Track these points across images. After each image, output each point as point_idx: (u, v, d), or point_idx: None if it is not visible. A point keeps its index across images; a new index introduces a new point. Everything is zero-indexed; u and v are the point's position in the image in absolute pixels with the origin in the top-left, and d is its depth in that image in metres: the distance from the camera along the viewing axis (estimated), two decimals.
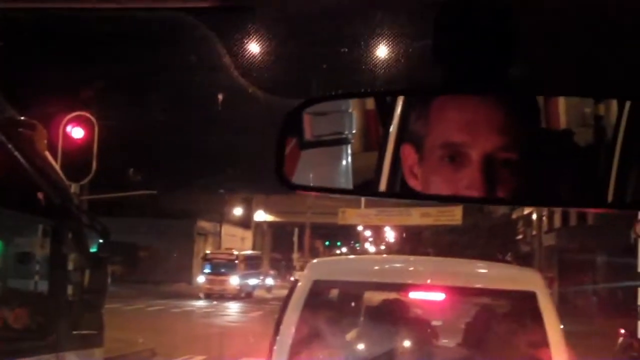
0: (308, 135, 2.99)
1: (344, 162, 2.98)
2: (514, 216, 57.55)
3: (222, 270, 46.46)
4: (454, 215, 49.53)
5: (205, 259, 48.73)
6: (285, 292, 6.24)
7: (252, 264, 51.84)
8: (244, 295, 46.87)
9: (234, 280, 46.59)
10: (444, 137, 2.52)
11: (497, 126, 2.50)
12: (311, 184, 3.08)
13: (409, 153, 2.64)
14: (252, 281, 51.04)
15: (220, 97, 27.08)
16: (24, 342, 6.04)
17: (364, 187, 2.96)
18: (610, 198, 2.57)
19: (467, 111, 2.54)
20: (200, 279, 47.64)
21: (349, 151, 2.97)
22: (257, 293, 50.61)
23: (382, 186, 2.78)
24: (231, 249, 54.59)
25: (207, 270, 47.01)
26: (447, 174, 2.52)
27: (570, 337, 5.16)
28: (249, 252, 56.57)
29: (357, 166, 2.94)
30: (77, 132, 14.91)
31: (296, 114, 2.97)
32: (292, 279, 49.73)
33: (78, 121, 15.00)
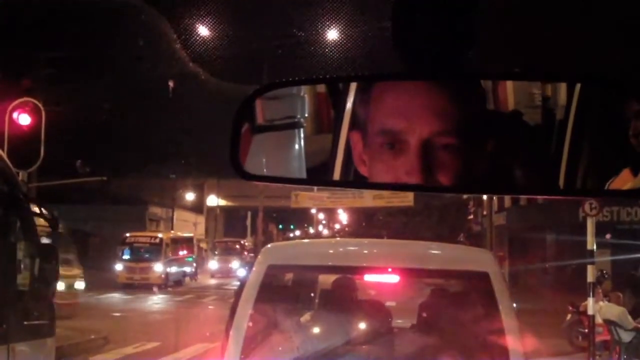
0: (260, 119, 2.96)
1: (297, 150, 2.95)
2: (465, 196, 58.20)
3: (145, 256, 40.44)
4: (406, 196, 49.87)
5: (124, 242, 41.57)
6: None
7: (181, 248, 45.71)
8: (172, 284, 41.19)
9: (158, 268, 40.30)
10: (382, 124, 2.50)
11: (435, 111, 2.47)
12: (265, 173, 3.04)
13: (357, 140, 2.63)
14: (182, 268, 44.67)
15: (170, 82, 26.87)
16: None
17: (318, 176, 2.94)
18: (561, 185, 2.56)
19: (405, 97, 2.52)
20: (118, 267, 40.32)
21: (302, 137, 2.95)
22: (202, 280, 46.95)
23: (336, 174, 2.76)
24: (156, 231, 49.11)
25: (126, 257, 40.50)
26: (388, 160, 2.50)
27: (521, 315, 5.24)
28: (179, 234, 50.55)
29: (311, 153, 2.92)
30: (23, 119, 14.67)
31: (250, 101, 2.93)
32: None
33: (24, 107, 14.76)
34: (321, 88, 2.93)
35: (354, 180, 2.70)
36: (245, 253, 52.53)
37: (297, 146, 2.95)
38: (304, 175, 2.96)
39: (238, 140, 2.89)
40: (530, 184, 2.69)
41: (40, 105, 15.19)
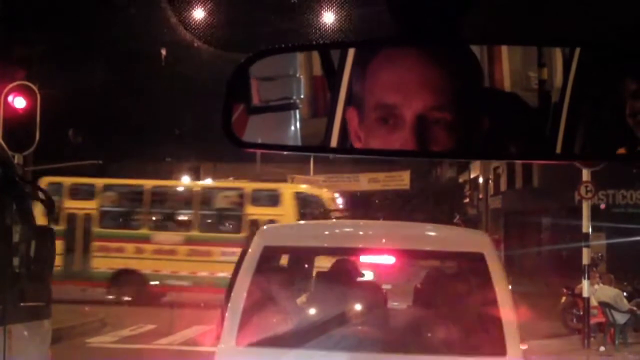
0: (256, 97, 2.95)
1: (292, 118, 2.95)
2: (460, 180, 58.23)
3: None
4: (402, 179, 49.90)
5: None
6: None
7: None
8: None
9: None
10: (378, 99, 2.51)
11: (431, 85, 2.47)
12: (259, 141, 3.03)
13: (352, 117, 2.63)
14: None
15: (164, 62, 26.73)
16: None
17: (313, 144, 2.95)
18: (558, 149, 2.57)
19: (400, 71, 2.52)
20: None
21: (297, 105, 2.94)
22: None
23: (332, 142, 2.76)
24: None
25: None
26: (383, 135, 2.52)
27: (516, 298, 5.25)
28: None
29: (306, 122, 2.92)
30: (18, 102, 14.61)
31: (244, 68, 2.92)
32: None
33: (19, 91, 14.70)
34: (316, 58, 2.91)
35: (349, 148, 2.71)
36: None
37: (291, 114, 2.94)
38: (299, 143, 2.97)
39: (231, 109, 2.88)
40: (529, 150, 2.70)
41: (35, 88, 15.13)
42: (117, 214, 24.40)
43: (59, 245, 22.52)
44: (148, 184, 24.84)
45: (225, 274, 19.30)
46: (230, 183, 24.62)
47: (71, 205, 23.29)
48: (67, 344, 14.74)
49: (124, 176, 55.22)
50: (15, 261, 6.71)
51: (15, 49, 22.55)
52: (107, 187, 24.63)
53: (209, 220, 23.92)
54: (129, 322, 18.38)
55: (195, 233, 23.15)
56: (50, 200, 7.56)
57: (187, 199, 24.59)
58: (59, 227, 22.35)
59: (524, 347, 4.96)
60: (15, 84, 14.76)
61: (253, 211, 22.98)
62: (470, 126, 2.49)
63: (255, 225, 19.54)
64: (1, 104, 14.36)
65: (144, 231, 23.33)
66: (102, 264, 22.84)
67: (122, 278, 22.80)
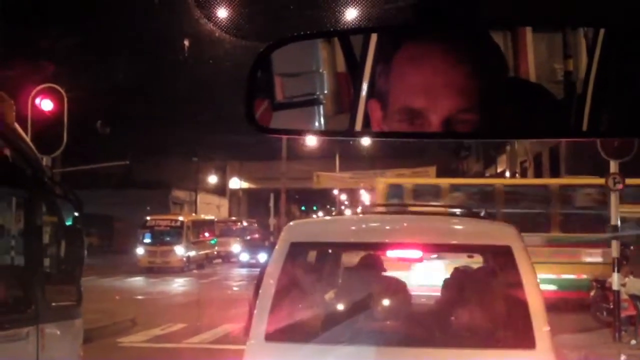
0: (278, 84, 2.96)
1: (315, 106, 2.95)
2: (487, 174, 57.88)
3: (166, 239, 39.86)
4: (428, 174, 49.76)
5: (145, 226, 40.95)
6: None
7: (203, 231, 45.18)
8: (194, 268, 40.66)
9: (179, 251, 39.80)
10: (403, 102, 2.52)
11: (457, 86, 2.46)
12: (280, 126, 3.03)
13: (375, 109, 2.64)
14: (204, 251, 44.06)
15: (187, 58, 26.83)
16: (2, 316, 6.03)
17: (334, 128, 2.96)
18: (584, 127, 2.57)
19: (425, 73, 2.51)
20: (139, 251, 39.74)
21: (318, 91, 2.94)
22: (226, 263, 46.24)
23: (353, 126, 2.77)
24: (177, 214, 48.82)
25: (147, 240, 39.90)
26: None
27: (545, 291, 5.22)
28: (201, 217, 50.13)
29: (329, 111, 2.93)
30: (46, 105, 14.76)
31: (266, 55, 2.93)
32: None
33: (47, 93, 14.85)
34: (338, 46, 2.91)
35: (373, 132, 2.72)
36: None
37: (314, 101, 2.94)
38: (322, 128, 2.97)
39: (253, 96, 2.89)
40: (552, 127, 2.70)
41: (62, 90, 15.27)
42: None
43: None
44: (498, 182, 23.52)
45: (588, 276, 18.68)
46: (590, 179, 21.40)
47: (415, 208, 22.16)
48: (99, 344, 14.88)
49: (149, 176, 55.33)
50: (46, 261, 6.80)
51: (41, 51, 22.77)
52: (454, 188, 23.84)
53: (569, 220, 22.45)
54: (159, 321, 18.52)
55: (556, 234, 21.88)
56: (78, 201, 7.63)
57: (542, 198, 23.00)
58: None
59: (546, 328, 4.92)
60: (42, 86, 14.91)
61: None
62: (495, 113, 2.50)
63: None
64: (29, 106, 14.51)
65: None
66: None
67: None
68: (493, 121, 2.51)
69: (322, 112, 2.93)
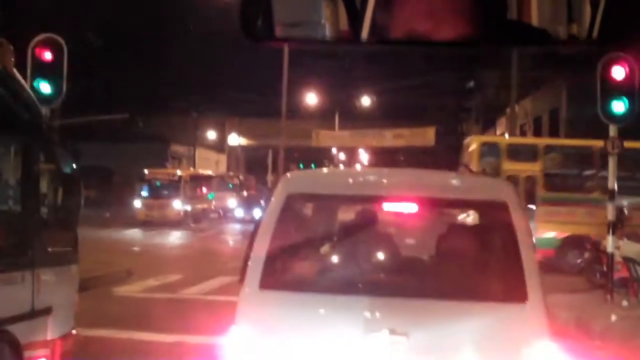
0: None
1: (318, 14, 2.80)
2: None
3: (163, 193, 40.04)
4: (427, 135, 49.79)
5: (143, 180, 40.80)
6: None
7: (201, 186, 45.43)
8: (191, 222, 40.68)
9: (176, 205, 40.13)
10: (406, 26, 2.54)
11: (458, 11, 2.52)
12: (277, 34, 2.83)
13: (381, 16, 2.65)
14: (202, 205, 44.60)
15: (191, 16, 26.67)
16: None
17: (340, 38, 2.82)
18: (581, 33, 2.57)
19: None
20: (137, 204, 39.86)
21: (324, 16, 2.78)
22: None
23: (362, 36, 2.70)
24: (175, 168, 48.76)
25: (144, 194, 39.96)
26: None
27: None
28: (199, 171, 50.13)
29: (331, 20, 2.77)
30: (46, 55, 14.66)
31: None
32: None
33: (46, 43, 14.75)
34: None
35: (375, 39, 2.68)
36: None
37: (315, 6, 2.80)
38: (324, 35, 2.81)
39: (249, 4, 2.76)
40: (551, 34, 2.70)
41: (62, 41, 15.16)
42: (563, 176, 22.85)
43: None
44: (596, 145, 23.16)
45: None
46: None
47: (510, 167, 21.61)
48: (94, 293, 14.98)
49: (150, 129, 55.27)
50: (43, 208, 6.82)
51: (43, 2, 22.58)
52: (550, 148, 23.15)
53: None
54: (154, 272, 18.65)
55: None
56: (76, 149, 7.63)
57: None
58: None
59: (538, 282, 4.94)
60: (42, 36, 14.79)
61: None
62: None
63: None
64: (29, 56, 14.44)
65: (594, 196, 21.23)
66: (548, 229, 21.01)
67: (571, 244, 20.84)
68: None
69: (325, 18, 2.78)
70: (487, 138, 22.40)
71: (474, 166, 22.04)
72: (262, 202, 38.24)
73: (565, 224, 21.13)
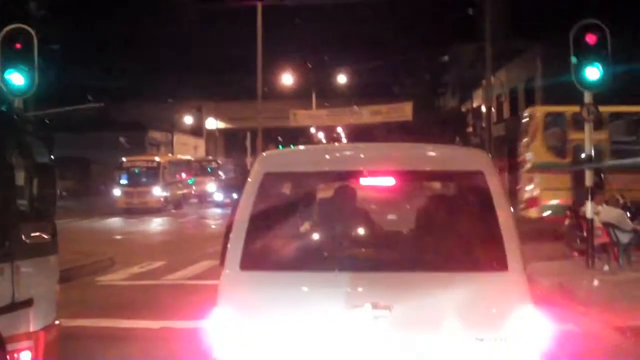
0: None
1: None
2: (463, 109, 57.97)
3: (142, 180, 39.78)
4: (404, 111, 49.77)
5: (121, 167, 40.67)
6: None
7: (180, 171, 45.38)
8: (172, 208, 40.81)
9: (156, 191, 39.86)
10: None
11: None
12: None
13: None
14: (182, 191, 44.56)
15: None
16: None
17: None
18: None
19: None
20: (116, 192, 39.83)
21: None
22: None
23: None
24: (153, 154, 48.60)
25: (123, 182, 39.85)
26: None
27: (520, 223, 5.27)
28: (178, 157, 50.38)
29: None
30: (17, 45, 14.51)
31: None
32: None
33: (19, 34, 14.59)
34: None
35: None
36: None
37: None
38: None
39: None
40: None
41: (32, 31, 15.00)
42: (629, 143, 22.03)
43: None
44: None
45: None
46: None
47: (576, 136, 20.18)
48: (78, 283, 14.94)
49: (125, 117, 54.96)
50: (19, 198, 6.75)
51: None
52: (615, 115, 22.22)
53: None
54: (137, 259, 18.60)
55: None
56: (50, 137, 7.55)
57: None
58: (564, 161, 21.32)
59: (518, 251, 4.94)
60: (12, 26, 14.63)
61: None
62: None
63: None
64: None
65: None
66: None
67: None
68: None
69: None
70: (552, 108, 22.08)
71: (538, 137, 21.89)
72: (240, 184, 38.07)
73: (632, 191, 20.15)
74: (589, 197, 15.48)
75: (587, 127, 15.76)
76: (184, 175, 45.93)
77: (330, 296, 4.86)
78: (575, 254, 16.83)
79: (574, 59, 14.92)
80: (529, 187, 22.58)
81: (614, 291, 12.87)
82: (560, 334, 9.57)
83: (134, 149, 48.58)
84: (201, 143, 70.06)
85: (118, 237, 26.30)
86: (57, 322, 7.15)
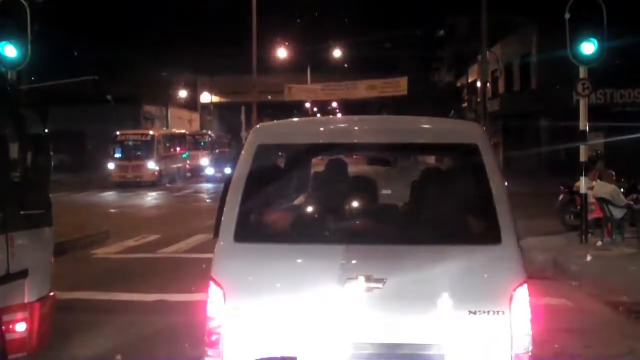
0: None
1: None
2: (458, 84, 57.89)
3: (137, 153, 39.88)
4: (400, 85, 49.67)
5: (115, 141, 40.72)
6: None
7: (175, 145, 45.37)
8: (166, 182, 40.85)
9: (150, 165, 39.93)
10: None
11: None
12: None
13: None
14: (176, 165, 44.62)
15: None
16: None
17: None
18: None
19: None
20: (111, 166, 39.91)
21: None
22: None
23: None
24: (147, 128, 48.66)
25: (117, 155, 39.94)
26: None
27: (514, 198, 5.25)
28: (172, 130, 50.17)
29: None
30: (8, 18, 14.41)
31: None
32: None
33: (9, 5, 14.49)
34: None
35: None
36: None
37: None
38: None
39: None
40: None
41: (25, 3, 14.88)
42: None
43: None
44: None
45: None
46: None
47: None
48: (73, 256, 14.96)
49: (118, 90, 54.84)
50: (13, 170, 6.73)
51: None
52: None
53: None
54: (132, 232, 18.60)
55: None
56: (43, 110, 7.52)
57: None
58: None
59: (512, 223, 4.93)
60: None
61: None
62: None
63: None
64: None
65: None
66: None
67: None
68: None
69: None
70: None
71: None
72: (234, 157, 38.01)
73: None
74: (583, 173, 15.50)
75: (582, 102, 15.74)
76: (178, 149, 45.80)
77: (324, 268, 4.86)
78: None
79: (567, 15, 14.81)
80: None
81: (607, 266, 12.93)
82: (553, 309, 9.66)
83: (128, 123, 48.29)
84: (196, 117, 69.88)
85: (113, 210, 26.30)
86: (51, 293, 7.15)
